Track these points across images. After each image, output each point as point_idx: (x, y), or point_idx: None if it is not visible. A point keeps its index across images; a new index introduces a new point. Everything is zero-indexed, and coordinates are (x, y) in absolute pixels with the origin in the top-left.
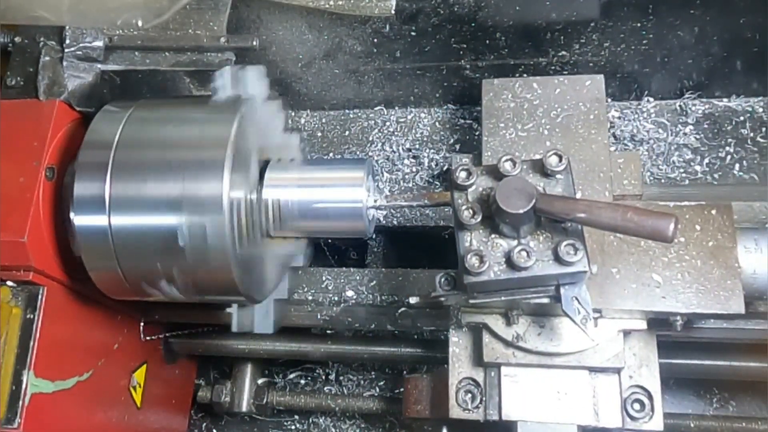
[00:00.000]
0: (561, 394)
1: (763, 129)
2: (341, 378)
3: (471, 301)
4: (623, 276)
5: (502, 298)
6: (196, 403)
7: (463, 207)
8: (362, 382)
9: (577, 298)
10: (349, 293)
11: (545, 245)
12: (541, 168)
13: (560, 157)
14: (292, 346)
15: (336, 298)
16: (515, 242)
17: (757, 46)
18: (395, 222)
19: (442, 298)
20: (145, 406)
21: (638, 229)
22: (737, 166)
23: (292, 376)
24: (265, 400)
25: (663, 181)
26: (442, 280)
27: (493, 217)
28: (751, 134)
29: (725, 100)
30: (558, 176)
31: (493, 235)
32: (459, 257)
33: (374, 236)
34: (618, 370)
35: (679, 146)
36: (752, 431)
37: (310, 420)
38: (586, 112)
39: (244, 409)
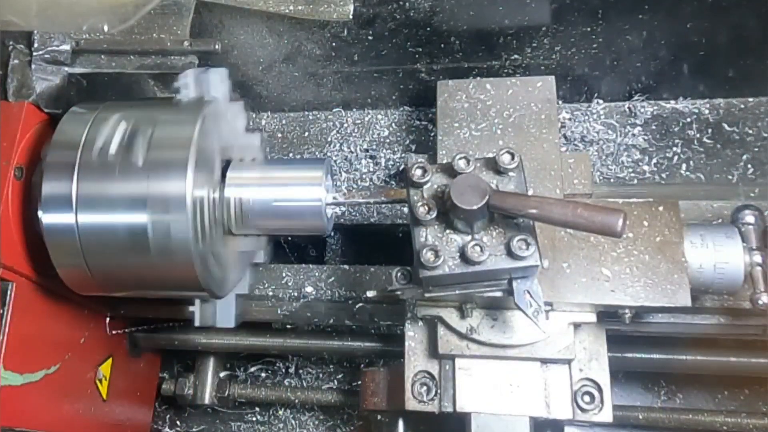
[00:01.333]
0: (513, 387)
1: (709, 130)
2: (301, 371)
3: (426, 295)
4: (574, 270)
5: (457, 292)
6: (160, 396)
7: (419, 204)
8: (321, 375)
9: (528, 292)
10: (309, 289)
11: (498, 240)
12: (494, 166)
13: (512, 155)
14: (253, 341)
15: (295, 294)
16: (469, 237)
17: (703, 50)
18: (353, 220)
19: (399, 292)
20: (111, 399)
21: (588, 224)
22: (684, 166)
23: (253, 369)
24: (227, 393)
25: (612, 180)
26: (399, 274)
27: (447, 213)
28: (698, 135)
29: (672, 102)
30: (510, 174)
31: (447, 231)
32: (414, 252)
33: (333, 234)
34: (568, 362)
35: (628, 147)
36: (698, 423)
37: (270, 412)
38: (538, 113)
39: (206, 401)
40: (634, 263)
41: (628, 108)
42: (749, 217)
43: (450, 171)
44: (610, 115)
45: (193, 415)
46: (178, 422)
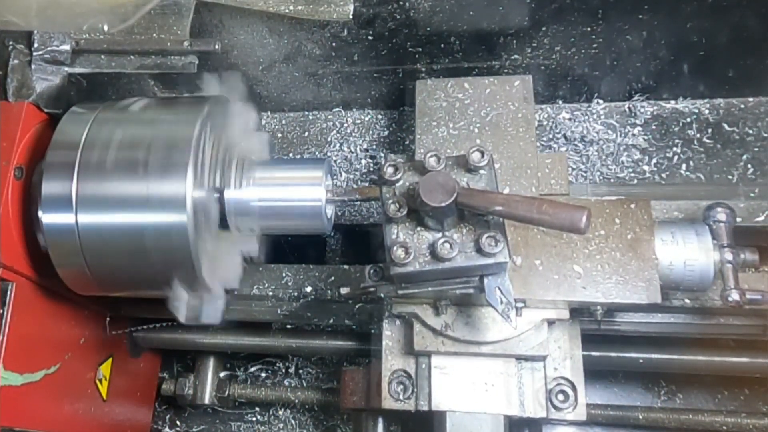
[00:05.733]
0: (488, 385)
1: (709, 130)
2: (301, 371)
3: (399, 292)
4: (546, 267)
5: (429, 289)
6: (160, 396)
7: (390, 201)
8: (321, 375)
9: (499, 288)
10: (308, 289)
11: (468, 237)
12: (464, 164)
13: (482, 153)
14: (253, 340)
15: (295, 294)
16: (439, 234)
17: (703, 50)
18: (353, 220)
19: (372, 289)
20: (111, 399)
21: (552, 221)
22: (684, 166)
23: (253, 369)
24: (227, 393)
25: (612, 180)
26: (371, 271)
27: (418, 211)
28: (698, 135)
29: (672, 102)
30: (481, 171)
31: (418, 228)
32: (386, 249)
33: (333, 234)
34: (542, 358)
35: (628, 147)
36: (698, 423)
37: (270, 412)
38: (515, 111)
39: (206, 401)
40: (605, 260)
41: (628, 108)
42: (720, 215)
43: (421, 169)
44: (610, 115)
45: (193, 415)
46: (178, 422)
